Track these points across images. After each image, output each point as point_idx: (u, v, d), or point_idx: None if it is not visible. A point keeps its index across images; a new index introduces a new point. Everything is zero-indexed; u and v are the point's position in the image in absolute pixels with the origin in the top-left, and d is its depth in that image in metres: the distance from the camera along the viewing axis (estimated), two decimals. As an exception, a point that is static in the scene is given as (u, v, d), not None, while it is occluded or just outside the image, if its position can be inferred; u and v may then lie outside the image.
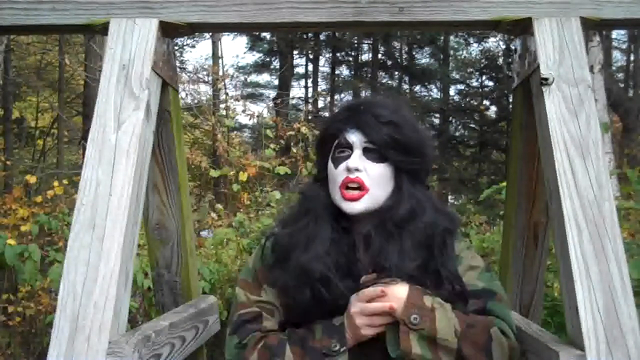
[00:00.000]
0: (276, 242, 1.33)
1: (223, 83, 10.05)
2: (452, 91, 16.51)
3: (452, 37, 15.37)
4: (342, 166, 1.27)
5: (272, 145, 5.75)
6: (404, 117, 1.30)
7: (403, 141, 1.27)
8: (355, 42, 16.38)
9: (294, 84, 17.39)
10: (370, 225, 1.26)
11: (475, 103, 15.82)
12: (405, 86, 16.84)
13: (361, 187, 1.25)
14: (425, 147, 1.32)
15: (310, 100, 15.93)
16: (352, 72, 16.81)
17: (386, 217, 1.25)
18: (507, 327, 1.24)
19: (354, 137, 1.27)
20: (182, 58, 14.69)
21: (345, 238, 1.28)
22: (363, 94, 14.58)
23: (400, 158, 1.27)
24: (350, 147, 1.28)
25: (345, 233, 1.29)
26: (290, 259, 1.26)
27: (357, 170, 1.25)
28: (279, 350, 1.21)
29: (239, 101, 9.64)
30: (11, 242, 3.57)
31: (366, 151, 1.27)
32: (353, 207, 1.25)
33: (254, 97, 16.59)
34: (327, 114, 14.03)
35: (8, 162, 9.47)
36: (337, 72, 17.03)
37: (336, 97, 15.99)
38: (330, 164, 1.30)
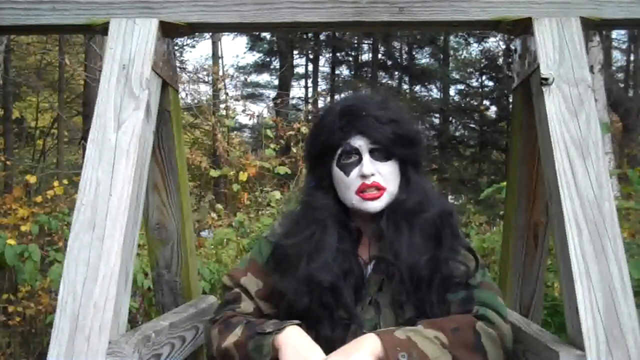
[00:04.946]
0: (278, 251, 1.35)
1: (223, 83, 10.03)
2: (452, 91, 16.54)
3: (452, 37, 15.37)
4: (355, 173, 1.29)
5: (272, 145, 5.73)
6: (399, 112, 1.35)
7: (406, 136, 1.32)
8: (355, 42, 16.39)
9: (294, 84, 17.42)
10: (382, 219, 1.31)
11: (475, 103, 15.83)
12: (405, 86, 16.85)
13: (378, 188, 1.29)
14: (420, 135, 1.39)
15: (310, 100, 15.91)
16: (352, 72, 16.82)
17: (398, 210, 1.30)
18: (494, 313, 1.26)
19: (360, 142, 1.29)
20: (182, 58, 14.69)
21: (349, 239, 1.32)
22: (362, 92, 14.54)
23: (405, 152, 1.32)
24: (357, 152, 1.30)
25: (349, 235, 1.33)
26: (295, 268, 1.28)
27: (372, 175, 1.28)
28: (233, 327, 1.27)
29: (239, 101, 9.63)
30: (11, 242, 3.55)
31: (373, 152, 1.30)
32: (375, 206, 1.29)
33: (254, 97, 16.61)
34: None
35: (8, 162, 9.44)
36: (337, 72, 17.05)
37: (336, 97, 15.97)
38: (338, 172, 1.32)
